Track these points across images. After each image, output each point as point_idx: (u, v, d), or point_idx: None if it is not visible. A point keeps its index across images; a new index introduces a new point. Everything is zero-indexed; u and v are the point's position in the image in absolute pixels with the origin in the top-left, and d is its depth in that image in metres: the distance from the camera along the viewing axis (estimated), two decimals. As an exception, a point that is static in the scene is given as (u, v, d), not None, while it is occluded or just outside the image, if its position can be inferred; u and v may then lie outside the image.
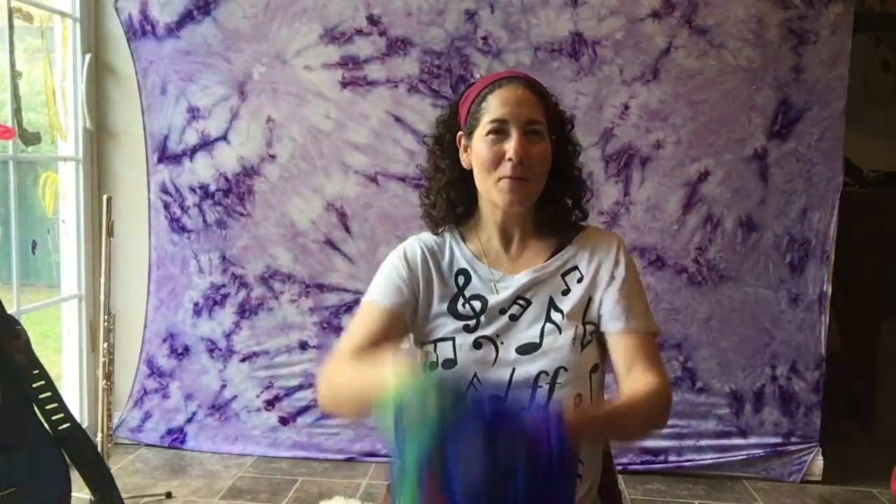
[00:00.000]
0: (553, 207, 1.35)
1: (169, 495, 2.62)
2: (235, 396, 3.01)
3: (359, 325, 1.31)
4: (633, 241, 2.79)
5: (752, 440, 2.87)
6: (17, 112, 2.66)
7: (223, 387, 3.01)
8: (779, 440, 2.87)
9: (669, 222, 2.83)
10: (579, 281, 1.31)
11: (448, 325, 1.29)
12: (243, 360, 2.99)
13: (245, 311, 2.97)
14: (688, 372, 2.86)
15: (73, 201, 2.98)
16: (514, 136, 1.26)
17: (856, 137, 3.09)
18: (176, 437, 3.04)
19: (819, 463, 2.85)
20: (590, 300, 1.29)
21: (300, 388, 2.97)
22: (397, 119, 2.85)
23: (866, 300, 3.39)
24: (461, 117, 1.36)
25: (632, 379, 1.25)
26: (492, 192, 1.29)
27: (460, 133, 1.35)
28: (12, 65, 2.63)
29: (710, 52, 2.76)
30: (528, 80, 1.33)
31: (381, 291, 1.32)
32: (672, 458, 2.88)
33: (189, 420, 3.04)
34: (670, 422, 2.82)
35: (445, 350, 1.27)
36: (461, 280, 1.32)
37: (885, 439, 3.23)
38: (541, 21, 2.78)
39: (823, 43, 2.74)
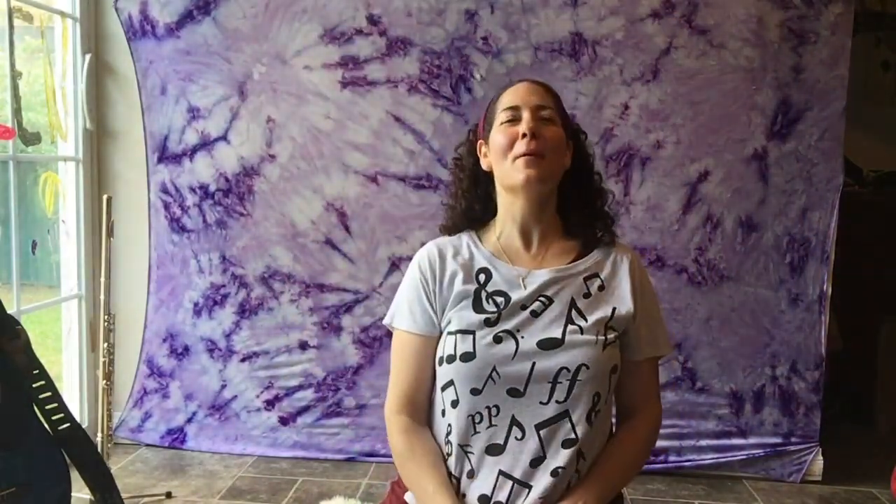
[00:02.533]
0: (576, 212, 1.38)
1: (169, 495, 2.62)
2: (235, 396, 3.01)
3: (401, 365, 1.35)
4: (633, 241, 2.79)
5: (752, 440, 2.87)
6: (17, 112, 2.66)
7: (223, 387, 3.01)
8: (779, 440, 2.87)
9: (669, 222, 2.83)
10: (601, 289, 1.32)
11: (469, 319, 1.29)
12: (243, 360, 2.99)
13: (245, 311, 2.97)
14: (688, 372, 2.86)
15: (73, 201, 2.98)
16: (525, 116, 1.31)
17: (856, 137, 3.09)
18: (176, 437, 3.04)
19: (819, 463, 2.85)
20: (614, 310, 1.31)
21: (300, 388, 2.98)
22: (397, 119, 2.85)
23: (866, 300, 3.39)
24: (480, 130, 1.41)
25: (639, 415, 1.37)
26: (510, 175, 1.31)
27: (480, 142, 1.40)
28: (12, 65, 2.63)
29: (710, 52, 2.76)
30: (538, 81, 1.40)
31: (413, 319, 1.35)
32: (672, 458, 2.88)
33: (189, 420, 3.04)
34: (670, 422, 2.85)
35: (465, 343, 1.28)
36: (482, 277, 1.33)
37: (885, 439, 3.24)
38: (541, 21, 2.78)
39: (823, 43, 2.74)
